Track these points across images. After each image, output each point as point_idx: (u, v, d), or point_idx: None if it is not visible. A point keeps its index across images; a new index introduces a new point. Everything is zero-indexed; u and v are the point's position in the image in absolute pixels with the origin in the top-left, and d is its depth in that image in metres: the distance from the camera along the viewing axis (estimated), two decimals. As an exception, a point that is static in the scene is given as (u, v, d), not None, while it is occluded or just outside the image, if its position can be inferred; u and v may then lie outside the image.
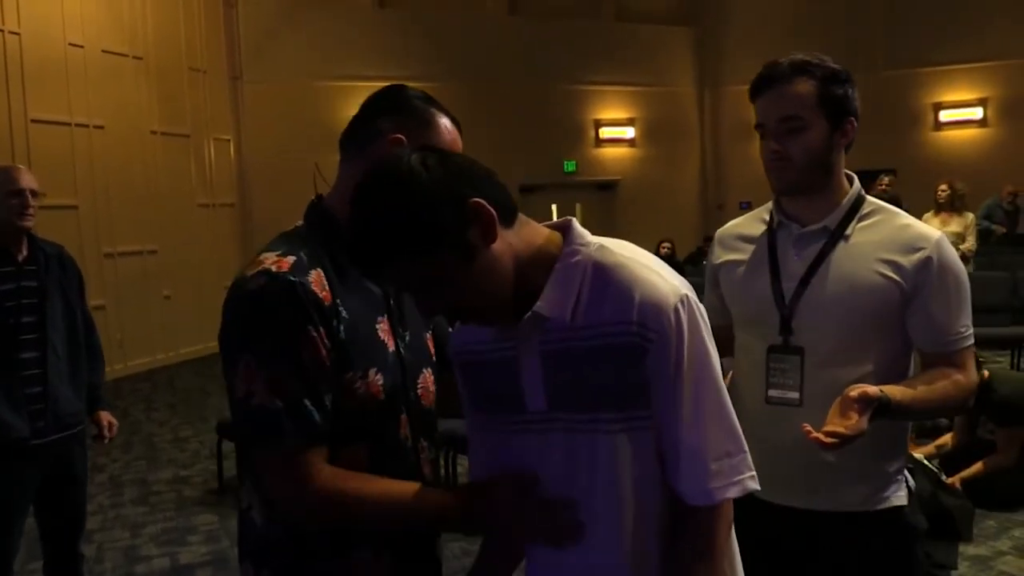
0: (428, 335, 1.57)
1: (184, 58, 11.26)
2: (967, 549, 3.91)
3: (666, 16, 15.44)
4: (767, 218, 1.83)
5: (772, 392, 1.72)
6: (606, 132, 15.02)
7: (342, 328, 1.32)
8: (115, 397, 8.40)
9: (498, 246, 1.18)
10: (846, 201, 1.74)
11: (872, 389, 1.52)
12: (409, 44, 13.20)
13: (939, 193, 7.59)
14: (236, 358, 1.29)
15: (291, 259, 1.32)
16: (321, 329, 1.29)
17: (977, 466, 4.44)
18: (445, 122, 1.44)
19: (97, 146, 9.69)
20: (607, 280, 1.20)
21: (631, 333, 1.17)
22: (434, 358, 1.56)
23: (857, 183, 1.78)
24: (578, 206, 13.90)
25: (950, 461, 4.54)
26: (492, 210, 1.17)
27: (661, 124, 15.28)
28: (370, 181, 1.17)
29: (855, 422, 1.48)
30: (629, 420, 1.19)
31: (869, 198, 1.78)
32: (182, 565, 4.28)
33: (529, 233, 1.24)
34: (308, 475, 1.27)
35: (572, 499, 1.23)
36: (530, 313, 1.21)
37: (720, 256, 1.91)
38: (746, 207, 15.91)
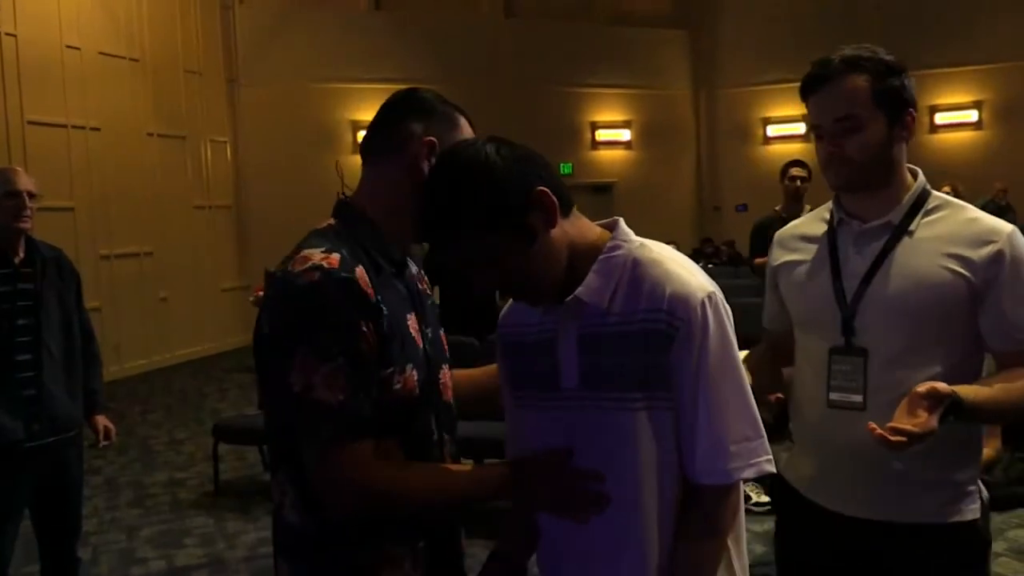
0: (442, 333, 1.60)
1: (181, 60, 11.27)
2: (962, 550, 3.92)
3: (661, 19, 15.47)
4: (828, 216, 1.76)
5: (834, 395, 1.64)
6: (602, 134, 15.05)
7: (384, 323, 1.36)
8: (110, 399, 8.35)
9: (555, 232, 1.30)
10: (910, 195, 1.66)
11: (942, 385, 1.43)
12: (405, 46, 13.21)
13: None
14: (292, 352, 1.31)
15: (337, 255, 1.35)
16: (370, 324, 1.34)
17: None
18: (465, 122, 1.52)
19: (94, 148, 9.69)
20: (644, 274, 1.32)
21: (660, 321, 1.28)
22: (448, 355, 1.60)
23: (922, 177, 1.69)
24: (574, 208, 13.90)
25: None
26: (554, 199, 1.29)
27: (657, 126, 15.30)
28: (447, 161, 1.30)
29: (924, 420, 1.39)
30: (651, 399, 1.29)
31: (936, 193, 1.70)
32: (178, 567, 4.27)
33: (583, 226, 1.38)
34: (362, 465, 1.32)
35: (598, 471, 1.32)
36: (571, 297, 1.32)
37: (779, 257, 1.85)
38: (742, 209, 15.87)
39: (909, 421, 1.40)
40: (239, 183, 12.51)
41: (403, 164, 1.44)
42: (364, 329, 1.33)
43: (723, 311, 1.30)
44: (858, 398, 1.62)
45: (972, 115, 14.25)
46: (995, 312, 1.58)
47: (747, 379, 1.33)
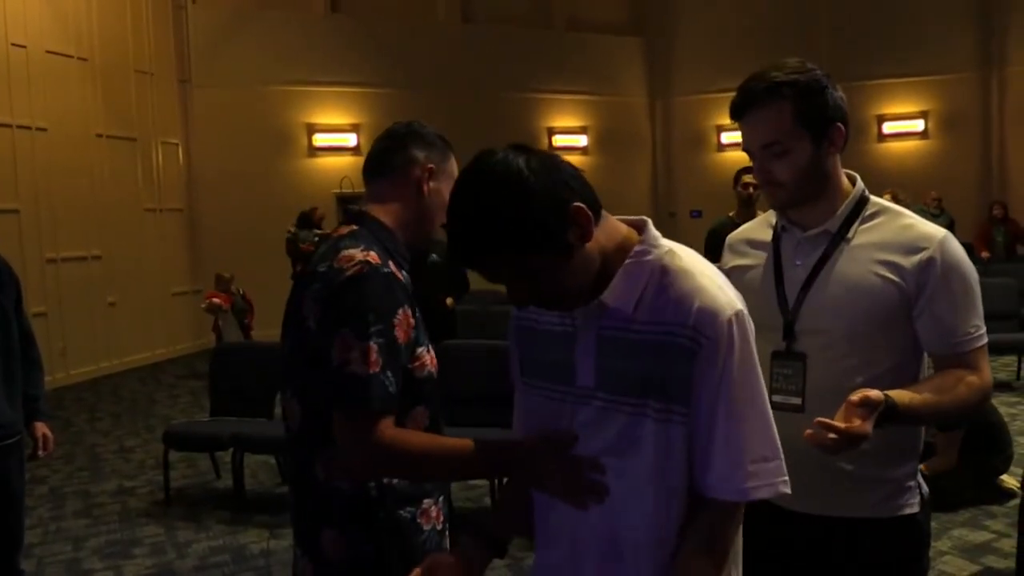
0: None
1: (131, 60, 11.05)
2: (909, 550, 4.00)
3: (617, 27, 15.60)
4: (774, 222, 1.81)
5: (775, 398, 1.66)
6: (559, 140, 15.10)
7: (416, 310, 1.63)
8: (57, 407, 8.19)
9: (590, 244, 1.28)
10: (847, 203, 1.69)
11: (874, 393, 1.47)
12: (361, 50, 13.12)
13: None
14: (335, 332, 1.53)
15: (375, 252, 1.61)
16: (408, 310, 1.60)
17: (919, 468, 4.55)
18: (452, 155, 1.83)
19: (40, 149, 9.45)
20: (671, 283, 1.29)
21: (686, 336, 1.26)
22: None
23: (860, 183, 1.73)
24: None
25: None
26: (590, 213, 1.26)
27: (613, 133, 15.41)
28: (479, 177, 1.24)
29: (858, 425, 1.44)
30: (668, 412, 1.28)
31: (874, 198, 1.73)
32: (126, 578, 4.18)
33: (611, 228, 1.34)
34: (384, 435, 1.51)
35: (600, 461, 1.33)
36: (596, 301, 1.31)
37: (729, 261, 1.89)
38: (697, 216, 16.02)
39: (841, 423, 1.45)
40: (191, 186, 12.31)
41: (407, 184, 1.75)
42: (400, 315, 1.57)
43: (748, 329, 1.29)
44: (797, 400, 1.67)
45: (918, 125, 14.61)
46: (928, 317, 1.62)
47: (767, 396, 1.32)
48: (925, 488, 1.76)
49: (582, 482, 1.34)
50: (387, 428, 1.51)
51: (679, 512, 1.31)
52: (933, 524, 4.23)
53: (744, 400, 1.28)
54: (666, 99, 15.88)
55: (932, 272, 1.60)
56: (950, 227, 10.41)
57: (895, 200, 7.77)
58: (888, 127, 14.71)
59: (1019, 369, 7.89)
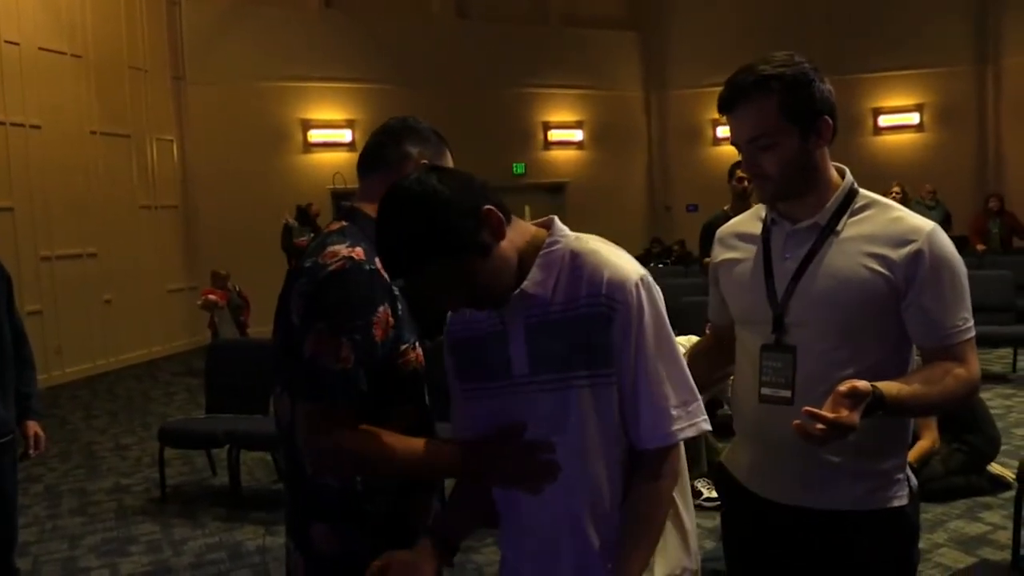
0: None
1: (125, 57, 11.02)
2: (906, 543, 4.00)
3: (613, 21, 15.59)
4: (764, 215, 1.81)
5: (764, 390, 1.70)
6: (555, 135, 15.10)
7: (399, 307, 1.62)
8: (52, 405, 8.18)
9: (504, 243, 1.43)
10: (836, 196, 1.70)
11: (862, 384, 1.48)
12: (356, 46, 13.09)
13: (892, 195, 7.79)
14: (311, 325, 1.53)
15: (360, 248, 1.59)
16: (388, 308, 1.58)
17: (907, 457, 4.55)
18: (447, 151, 1.81)
19: (34, 146, 9.41)
20: (582, 264, 1.44)
21: (600, 304, 1.41)
22: None
23: (849, 176, 1.74)
24: (527, 208, 13.89)
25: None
26: (500, 214, 1.42)
27: (609, 127, 15.41)
28: (399, 198, 1.39)
29: (845, 415, 1.44)
30: (594, 377, 1.42)
31: (863, 191, 1.74)
32: (123, 576, 4.18)
33: (523, 229, 1.50)
34: (341, 432, 1.50)
35: (549, 441, 1.44)
36: (518, 291, 1.44)
37: (720, 255, 1.89)
38: (693, 209, 16.07)
39: (829, 413, 1.45)
40: (186, 183, 12.28)
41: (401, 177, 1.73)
42: (380, 313, 1.55)
43: (654, 290, 1.45)
44: (786, 393, 1.67)
45: (914, 118, 14.64)
46: (917, 309, 1.62)
47: (678, 346, 1.46)
48: (914, 481, 1.77)
49: (534, 464, 1.45)
50: (345, 425, 1.51)
51: (623, 464, 1.45)
52: (928, 516, 4.27)
53: (659, 354, 1.43)
54: (661, 93, 15.87)
55: (920, 265, 1.60)
56: (946, 219, 10.48)
57: (902, 195, 7.78)
58: (884, 120, 14.73)
59: (1015, 361, 7.90)
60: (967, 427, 4.65)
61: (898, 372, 1.64)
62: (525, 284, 1.44)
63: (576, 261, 1.45)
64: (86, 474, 5.97)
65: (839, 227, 1.68)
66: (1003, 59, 14.05)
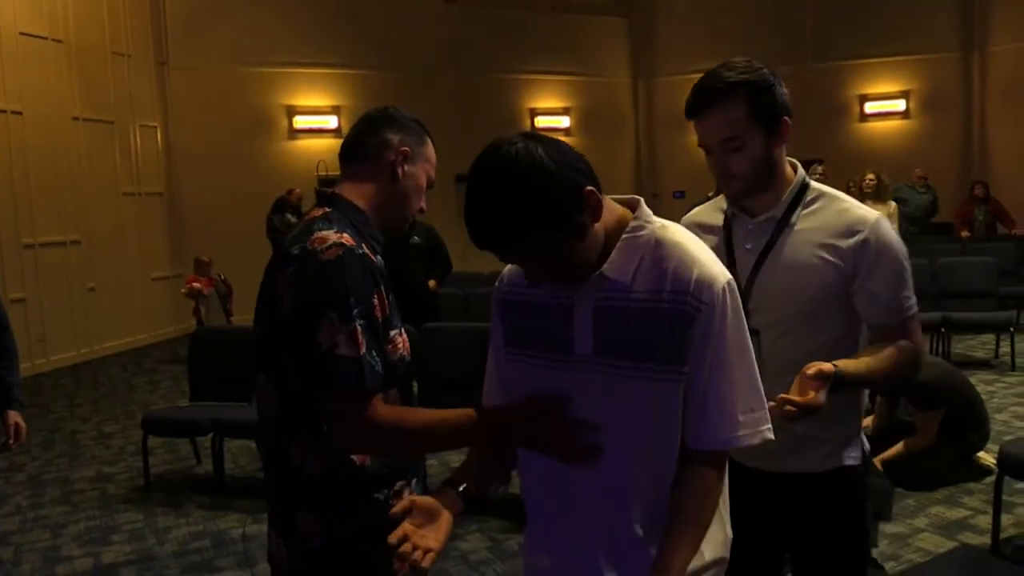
0: None
1: (108, 42, 10.89)
2: (887, 527, 4.03)
3: (601, 7, 15.52)
4: (724, 207, 1.97)
5: None
6: (542, 121, 15.04)
7: (389, 292, 1.66)
8: (36, 394, 8.12)
9: (598, 224, 1.40)
10: (790, 190, 1.86)
11: (826, 366, 1.65)
12: (342, 32, 12.98)
13: (867, 182, 7.77)
14: (319, 317, 1.53)
15: (348, 234, 1.61)
16: (382, 292, 1.62)
17: (898, 447, 4.58)
18: (428, 139, 1.82)
19: (15, 132, 9.30)
20: (667, 255, 1.42)
21: (686, 302, 1.38)
22: None
23: (801, 171, 1.90)
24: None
25: (870, 442, 4.67)
26: (600, 196, 1.38)
27: (596, 113, 15.37)
28: (503, 164, 1.32)
29: (813, 397, 1.61)
30: (664, 371, 1.40)
31: (813, 184, 1.89)
32: (105, 565, 4.15)
33: (609, 207, 1.45)
34: (379, 412, 1.55)
35: (594, 423, 1.41)
36: (597, 273, 1.42)
37: None
38: (680, 196, 16.06)
39: (799, 397, 1.62)
40: (170, 169, 12.18)
41: (381, 168, 1.74)
42: (377, 297, 1.59)
43: (737, 295, 1.44)
44: None
45: (900, 104, 14.65)
46: (866, 292, 1.81)
47: (754, 354, 1.47)
48: (867, 445, 2.00)
49: (577, 443, 1.42)
50: (380, 406, 1.55)
51: (671, 468, 1.43)
52: (910, 501, 4.32)
53: (735, 359, 1.41)
54: (649, 80, 15.84)
55: (867, 252, 1.78)
56: (933, 203, 10.53)
57: (880, 182, 7.79)
58: (870, 107, 14.74)
59: (997, 347, 7.96)
60: (972, 426, 4.66)
61: (851, 348, 1.84)
62: (605, 267, 1.41)
63: (660, 251, 1.42)
64: (69, 463, 5.94)
65: (793, 219, 1.86)
66: (989, 46, 14.07)
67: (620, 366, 1.41)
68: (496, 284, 1.60)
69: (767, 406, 1.46)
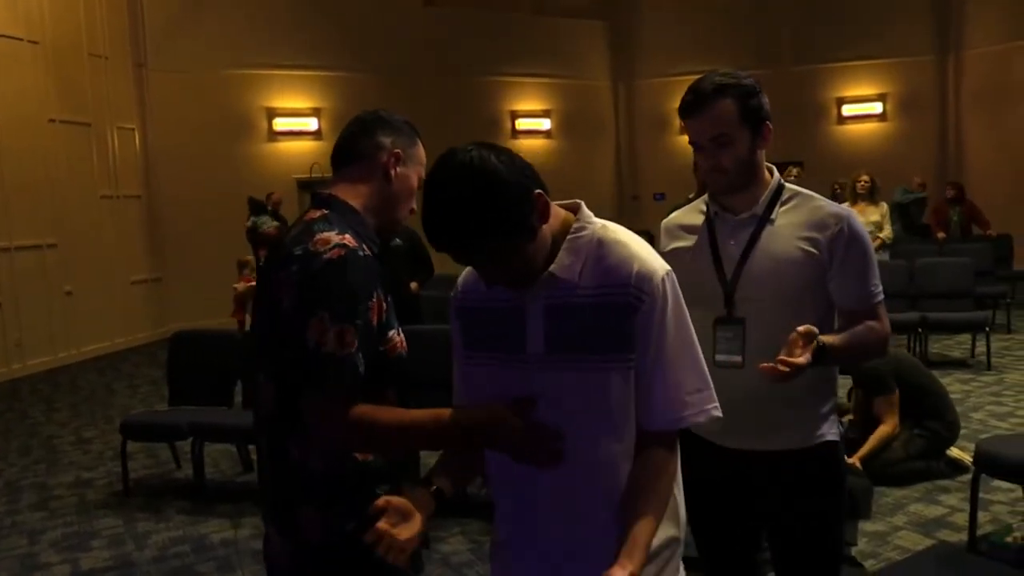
0: None
1: (85, 43, 10.79)
2: (865, 526, 4.07)
3: (581, 10, 15.57)
4: (704, 209, 2.12)
5: (719, 357, 1.99)
6: (522, 124, 15.08)
7: (387, 293, 1.68)
8: (13, 399, 8.04)
9: (545, 226, 1.48)
10: (768, 191, 2.04)
11: (815, 329, 1.83)
12: (321, 34, 12.94)
13: (860, 184, 7.83)
14: (311, 314, 1.55)
15: (349, 235, 1.63)
16: (381, 293, 1.64)
17: (870, 442, 4.63)
18: (419, 141, 1.85)
19: (-11, 135, 9.21)
20: (608, 252, 1.51)
21: (628, 295, 1.47)
22: None
23: (777, 174, 2.08)
24: None
25: (848, 442, 4.72)
26: (548, 200, 1.46)
27: (577, 116, 15.41)
28: (458, 173, 1.39)
29: (799, 353, 1.78)
30: (613, 360, 1.48)
31: (788, 184, 2.09)
32: (84, 571, 4.11)
33: (554, 211, 1.52)
34: (356, 413, 1.55)
35: (560, 428, 1.48)
36: (546, 273, 1.49)
37: (668, 244, 2.18)
38: (660, 198, 16.15)
39: (791, 359, 1.78)
40: (148, 172, 12.09)
41: (375, 169, 1.76)
42: (376, 298, 1.62)
43: (676, 285, 1.53)
44: (738, 358, 2.00)
45: (877, 107, 14.82)
46: (840, 280, 1.99)
47: (696, 338, 1.55)
48: (841, 428, 2.16)
49: (544, 446, 1.49)
50: (357, 406, 1.56)
51: (630, 451, 1.50)
52: (888, 499, 4.37)
53: (678, 344, 1.51)
54: (629, 82, 15.91)
55: (840, 244, 1.97)
56: (921, 203, 10.83)
57: (872, 184, 7.91)
58: (847, 109, 14.92)
59: (973, 347, 8.05)
60: (929, 413, 4.74)
61: (828, 332, 1.97)
62: (553, 267, 1.49)
63: (603, 249, 1.51)
64: (47, 468, 5.87)
65: (773, 216, 2.03)
66: (964, 50, 14.26)
67: (572, 359, 1.48)
68: (452, 294, 1.67)
69: (712, 386, 1.55)
